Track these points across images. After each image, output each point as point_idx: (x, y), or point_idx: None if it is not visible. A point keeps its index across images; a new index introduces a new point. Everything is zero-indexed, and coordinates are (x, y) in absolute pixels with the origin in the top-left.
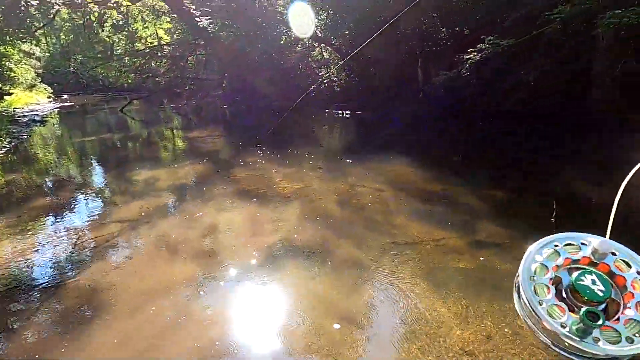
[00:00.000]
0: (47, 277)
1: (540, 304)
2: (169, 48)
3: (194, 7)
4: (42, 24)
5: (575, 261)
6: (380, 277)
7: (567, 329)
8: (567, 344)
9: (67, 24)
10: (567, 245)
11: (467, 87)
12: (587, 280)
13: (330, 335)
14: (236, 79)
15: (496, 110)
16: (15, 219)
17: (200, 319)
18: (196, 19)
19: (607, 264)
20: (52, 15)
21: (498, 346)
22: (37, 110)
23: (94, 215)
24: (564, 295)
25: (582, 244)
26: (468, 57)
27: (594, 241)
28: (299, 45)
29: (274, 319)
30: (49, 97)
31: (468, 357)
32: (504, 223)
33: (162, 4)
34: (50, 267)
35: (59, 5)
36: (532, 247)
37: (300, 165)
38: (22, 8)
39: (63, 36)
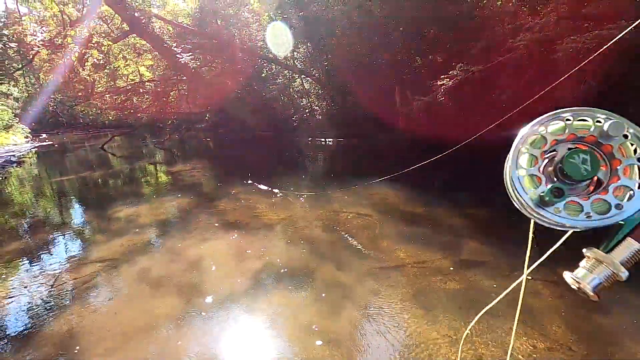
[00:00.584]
0: (21, 326)
1: (519, 172)
2: (151, 84)
3: (175, 44)
4: (21, 65)
5: (580, 138)
6: (367, 301)
7: (530, 196)
8: (528, 210)
9: (47, 64)
10: (580, 120)
11: (443, 110)
12: (577, 159)
13: (314, 354)
14: (219, 112)
15: (473, 132)
16: None
17: (183, 356)
18: (177, 55)
19: (611, 145)
20: (31, 57)
21: None
22: (13, 151)
23: (72, 257)
24: (551, 168)
25: (597, 121)
26: (441, 83)
27: (607, 122)
28: (280, 77)
29: (258, 346)
30: (26, 137)
31: None
32: (487, 241)
33: (144, 42)
34: (25, 315)
35: (38, 47)
36: (542, 117)
37: (284, 194)
38: (1, 50)
39: (42, 76)
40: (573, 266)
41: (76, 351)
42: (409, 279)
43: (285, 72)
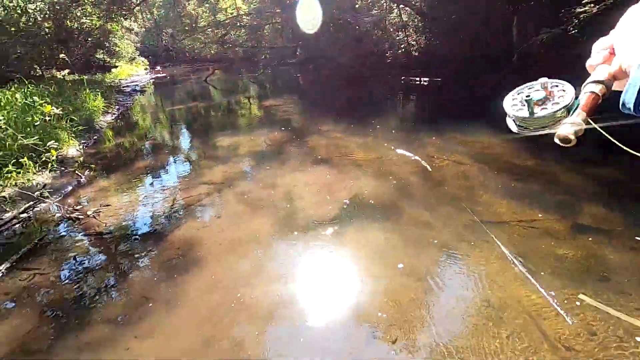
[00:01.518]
0: (149, 229)
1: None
2: (248, 18)
3: None
4: (139, 1)
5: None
6: (457, 249)
7: (517, 111)
8: (519, 118)
9: (159, 0)
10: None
11: (573, 47)
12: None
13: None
14: (310, 47)
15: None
16: (123, 177)
17: (275, 269)
18: None
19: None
20: None
21: (604, 345)
22: (137, 81)
23: (185, 177)
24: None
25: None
26: (582, 9)
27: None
28: (376, 8)
29: (341, 265)
30: (145, 69)
31: (568, 352)
32: (612, 205)
33: None
34: (151, 221)
35: None
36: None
37: (375, 135)
38: None
39: (155, 12)
40: None
41: (193, 255)
42: (510, 238)
43: (382, 2)
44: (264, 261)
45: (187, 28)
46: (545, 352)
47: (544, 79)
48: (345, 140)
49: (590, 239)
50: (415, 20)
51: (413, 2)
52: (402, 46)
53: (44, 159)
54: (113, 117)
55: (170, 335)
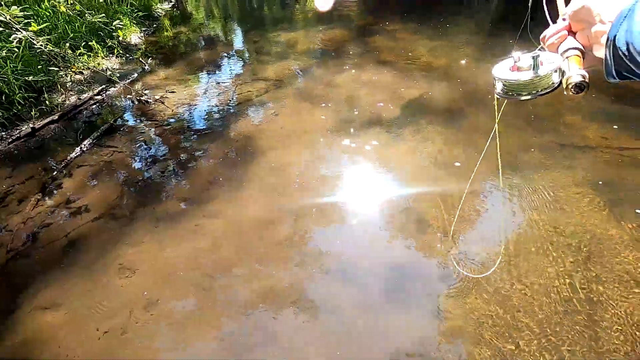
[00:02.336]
0: (211, 121)
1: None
2: None
3: None
4: None
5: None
6: (532, 173)
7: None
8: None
9: None
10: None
11: None
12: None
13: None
14: None
15: None
16: (184, 67)
17: (341, 151)
18: None
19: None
20: None
21: None
22: None
23: (241, 73)
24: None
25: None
26: None
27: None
28: None
29: (394, 161)
30: None
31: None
32: None
33: None
34: (213, 113)
35: None
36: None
37: (448, 39)
38: None
39: None
40: None
41: (253, 145)
42: (595, 165)
43: None
44: (320, 152)
45: None
46: (610, 283)
47: (520, 53)
48: (413, 43)
49: None
50: None
51: None
52: None
53: (109, 44)
54: (170, 5)
55: (236, 213)
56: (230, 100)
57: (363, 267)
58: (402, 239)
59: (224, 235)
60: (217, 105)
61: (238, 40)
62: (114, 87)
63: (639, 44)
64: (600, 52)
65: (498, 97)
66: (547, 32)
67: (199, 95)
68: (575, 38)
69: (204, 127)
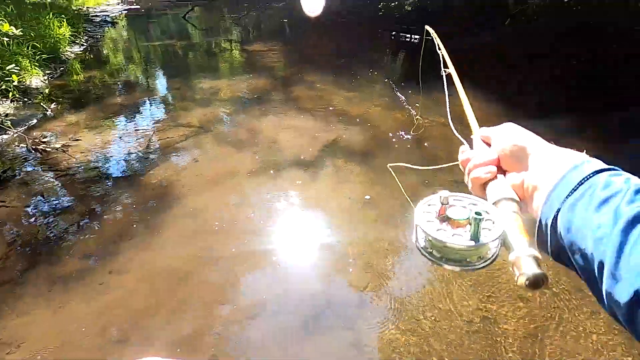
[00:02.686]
0: (123, 168)
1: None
2: None
3: None
4: None
5: None
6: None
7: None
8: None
9: None
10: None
11: (570, 14)
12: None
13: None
14: None
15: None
16: (93, 113)
17: (251, 204)
18: None
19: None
20: None
21: None
22: (107, 11)
23: (161, 119)
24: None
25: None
26: None
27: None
28: None
29: (312, 199)
30: None
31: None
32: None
33: None
34: (125, 160)
35: None
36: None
37: (361, 90)
38: None
39: None
40: None
41: (170, 194)
42: None
43: None
44: (242, 196)
45: None
46: (501, 302)
47: (449, 193)
48: (330, 93)
49: None
50: None
51: None
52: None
53: (3, 86)
54: (81, 49)
55: (149, 265)
56: (147, 147)
57: (285, 309)
58: (325, 276)
59: (133, 292)
60: (132, 152)
61: (159, 86)
62: (6, 135)
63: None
64: (537, 213)
65: (420, 251)
66: (468, 159)
67: (112, 142)
68: (504, 175)
69: (117, 175)
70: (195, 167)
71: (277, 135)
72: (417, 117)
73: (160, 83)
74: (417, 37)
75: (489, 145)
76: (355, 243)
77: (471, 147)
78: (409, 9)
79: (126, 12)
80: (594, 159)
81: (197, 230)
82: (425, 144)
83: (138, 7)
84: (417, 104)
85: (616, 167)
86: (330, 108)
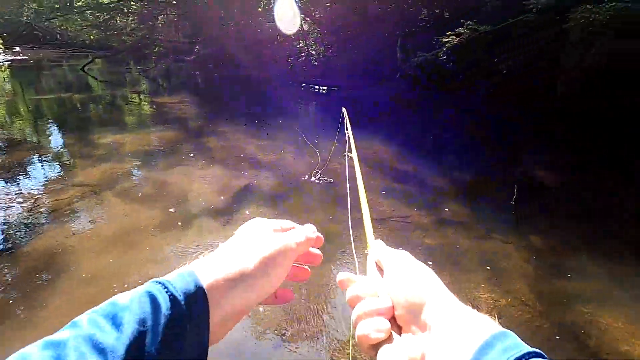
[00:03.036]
0: (4, 241)
1: None
2: (137, 4)
3: None
4: None
5: None
6: (347, 248)
7: None
8: None
9: None
10: None
11: (443, 70)
12: None
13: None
14: (209, 45)
15: (470, 94)
16: None
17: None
18: None
19: None
20: None
21: None
22: None
23: (52, 179)
24: None
25: None
26: (447, 40)
27: None
28: None
29: None
30: None
31: None
32: (468, 204)
33: None
34: (8, 231)
35: None
36: None
37: (273, 138)
38: None
39: None
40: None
41: (54, 269)
42: (390, 232)
43: None
44: (145, 254)
45: (58, 6)
46: None
47: None
48: (242, 143)
49: (448, 230)
50: (316, 31)
51: (314, 14)
52: (303, 54)
53: None
54: None
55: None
56: (30, 212)
57: None
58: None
59: None
60: (14, 219)
61: (50, 143)
62: None
63: None
64: None
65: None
66: (357, 297)
67: None
68: (400, 333)
69: None
70: (91, 229)
71: (186, 186)
72: (326, 161)
73: (52, 139)
74: (324, 88)
75: (381, 271)
76: None
77: (359, 271)
78: (316, 64)
79: (9, 62)
80: (510, 333)
81: (94, 297)
82: (336, 187)
83: (26, 57)
84: (326, 150)
85: (540, 351)
86: (242, 155)
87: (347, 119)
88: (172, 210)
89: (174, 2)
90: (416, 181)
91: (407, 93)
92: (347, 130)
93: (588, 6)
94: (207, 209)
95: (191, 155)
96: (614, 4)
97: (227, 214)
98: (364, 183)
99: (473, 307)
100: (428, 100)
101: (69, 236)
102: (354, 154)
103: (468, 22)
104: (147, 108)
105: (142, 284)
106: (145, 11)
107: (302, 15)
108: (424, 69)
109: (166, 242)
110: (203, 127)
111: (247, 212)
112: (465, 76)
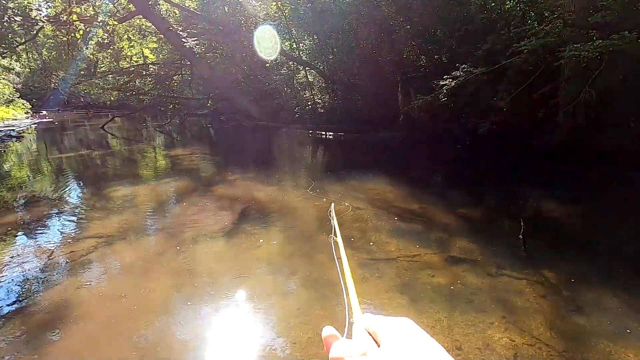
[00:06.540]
0: (13, 296)
1: None
2: (154, 67)
3: (180, 28)
4: (24, 40)
5: None
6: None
7: None
8: None
9: (51, 40)
10: None
11: (444, 111)
12: None
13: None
14: (221, 99)
15: (470, 133)
16: None
17: (174, 341)
18: (182, 40)
19: None
20: (35, 32)
21: (468, 357)
22: (13, 126)
23: (68, 232)
24: None
25: None
26: (444, 83)
27: None
28: (284, 68)
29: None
30: (26, 112)
31: None
32: (476, 240)
33: (149, 24)
34: (18, 286)
35: (43, 22)
36: None
37: (282, 184)
38: (5, 23)
39: (45, 52)
40: (558, 266)
41: (66, 323)
42: (398, 271)
43: (290, 63)
44: (154, 335)
45: (83, 72)
46: None
47: None
48: (252, 190)
49: (458, 268)
50: (320, 81)
51: (318, 65)
52: (309, 103)
53: None
54: None
55: None
56: (46, 266)
57: None
58: None
59: None
60: (26, 274)
61: (69, 197)
62: None
63: None
64: None
65: None
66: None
67: (3, 264)
68: None
69: (3, 303)
70: (102, 282)
71: (197, 246)
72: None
73: (71, 194)
74: (330, 134)
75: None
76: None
77: (346, 334)
78: (322, 111)
79: (36, 125)
80: None
81: (103, 351)
82: (344, 229)
83: (51, 119)
84: (333, 193)
85: None
86: (254, 205)
87: (334, 212)
88: (179, 276)
89: (187, 62)
90: (423, 220)
91: (410, 134)
92: (332, 219)
93: (575, 45)
94: (218, 278)
95: (202, 205)
96: (601, 41)
97: (238, 285)
98: (349, 266)
99: (489, 348)
100: (430, 141)
101: (80, 288)
102: (339, 238)
103: (464, 65)
104: (161, 161)
105: (153, 339)
106: (162, 72)
107: (308, 68)
108: (425, 111)
109: (183, 304)
110: (214, 176)
111: (259, 276)
112: (465, 115)
